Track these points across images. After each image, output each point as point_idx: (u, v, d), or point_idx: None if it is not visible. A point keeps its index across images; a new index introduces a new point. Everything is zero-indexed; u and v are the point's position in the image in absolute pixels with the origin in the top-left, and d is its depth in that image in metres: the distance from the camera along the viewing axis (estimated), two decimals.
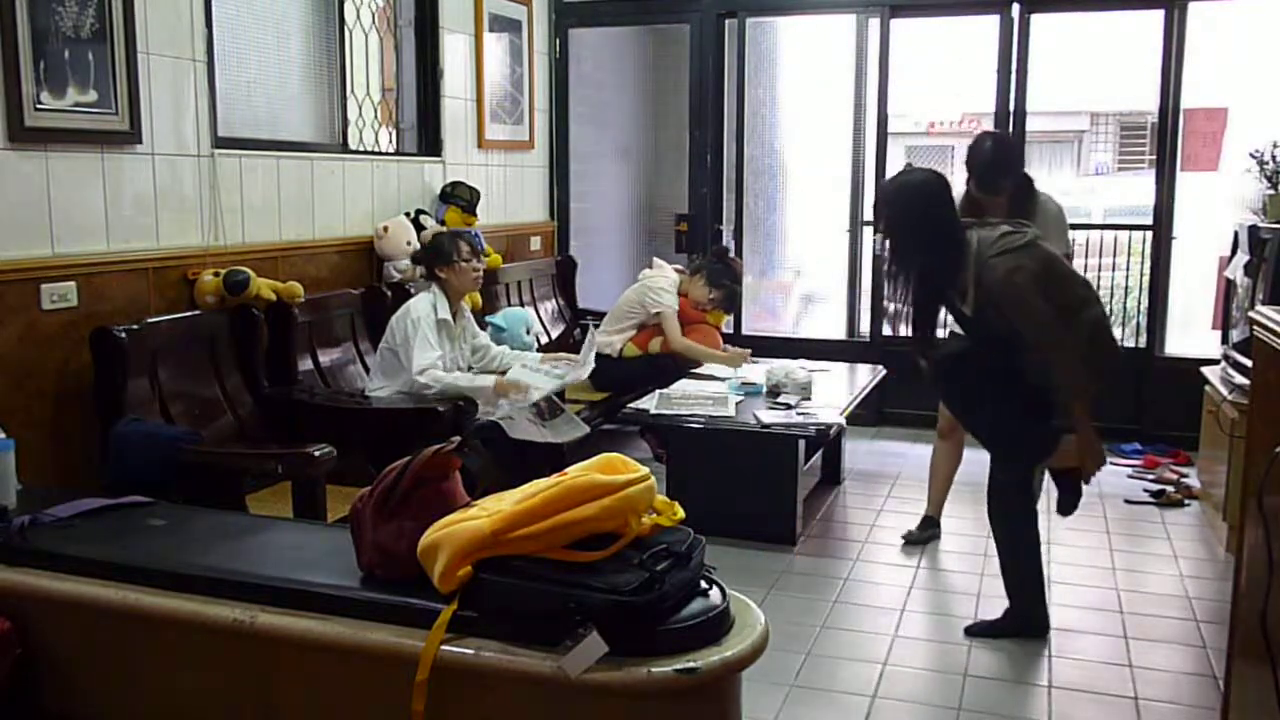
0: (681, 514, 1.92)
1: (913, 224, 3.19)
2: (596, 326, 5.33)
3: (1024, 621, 3.39)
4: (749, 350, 5.31)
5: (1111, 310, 7.22)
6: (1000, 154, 3.82)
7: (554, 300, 6.07)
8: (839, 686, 3.09)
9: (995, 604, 3.67)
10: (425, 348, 3.94)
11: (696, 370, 5.09)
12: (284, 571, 2.02)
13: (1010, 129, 5.70)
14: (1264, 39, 5.59)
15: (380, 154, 4.93)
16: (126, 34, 3.39)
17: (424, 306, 4.03)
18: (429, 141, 5.24)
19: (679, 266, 5.52)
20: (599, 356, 4.53)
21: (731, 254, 5.57)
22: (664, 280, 5.32)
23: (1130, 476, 5.14)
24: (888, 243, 3.26)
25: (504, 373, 4.22)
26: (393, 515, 1.91)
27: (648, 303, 5.25)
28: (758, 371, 4.85)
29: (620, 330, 5.29)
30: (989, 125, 5.94)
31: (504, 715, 1.79)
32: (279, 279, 3.89)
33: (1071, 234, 4.32)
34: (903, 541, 4.26)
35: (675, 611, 1.75)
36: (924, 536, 4.27)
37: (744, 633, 1.79)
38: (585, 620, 1.66)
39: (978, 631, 3.42)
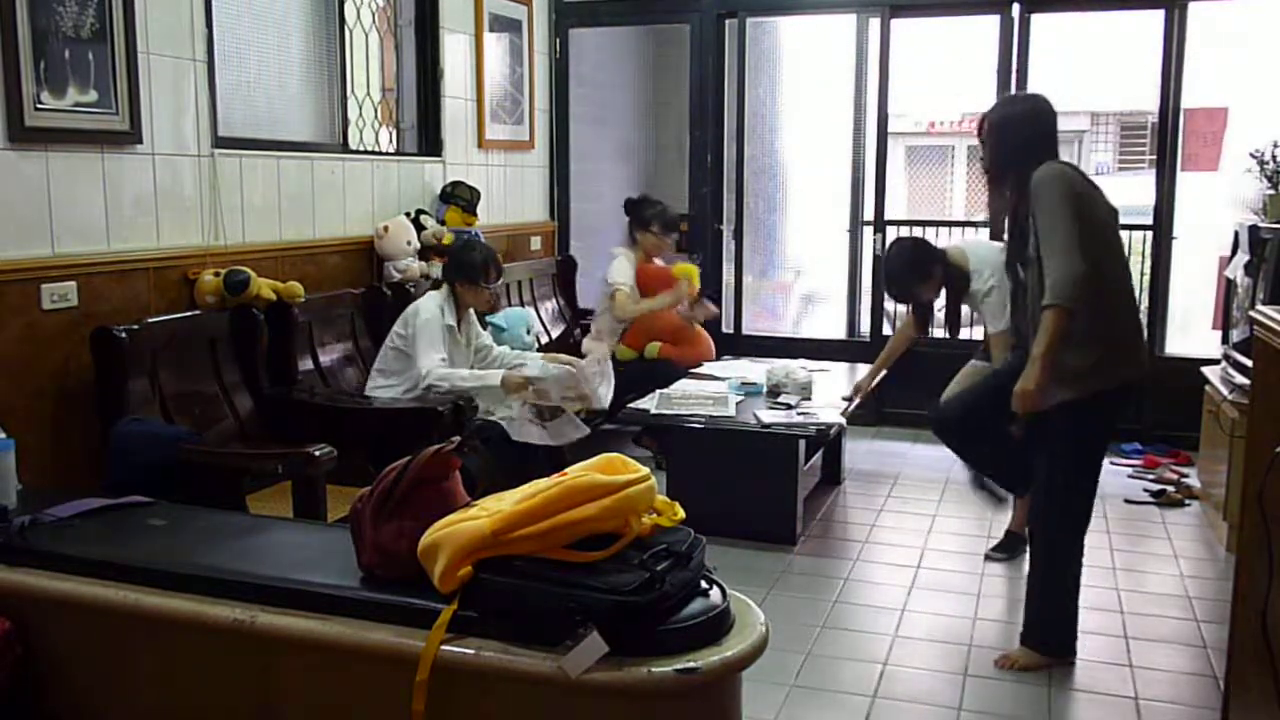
0: (681, 514, 1.92)
1: (1013, 141, 3.13)
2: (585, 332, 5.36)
3: (1048, 640, 3.20)
4: (684, 281, 5.25)
5: None
6: (907, 271, 4.02)
7: (554, 300, 6.07)
8: (839, 686, 3.09)
9: (995, 603, 3.68)
10: (429, 350, 3.94)
11: (696, 370, 5.10)
12: (284, 571, 2.01)
13: None
14: (1264, 39, 5.59)
15: (380, 154, 4.93)
16: (127, 34, 3.39)
17: (433, 308, 4.03)
18: (429, 141, 5.24)
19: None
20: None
21: (640, 196, 5.54)
22: (617, 262, 5.30)
23: (1130, 476, 5.15)
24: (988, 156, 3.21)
25: (509, 369, 4.23)
26: (393, 515, 1.91)
27: (605, 287, 5.28)
28: (758, 371, 4.85)
29: (609, 334, 5.31)
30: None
31: (504, 715, 1.79)
32: (279, 279, 3.89)
33: None
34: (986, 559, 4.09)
35: (675, 611, 1.75)
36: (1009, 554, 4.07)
37: (744, 633, 1.79)
38: (585, 620, 1.66)
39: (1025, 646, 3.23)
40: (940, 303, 4.20)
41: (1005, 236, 3.30)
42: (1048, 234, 2.92)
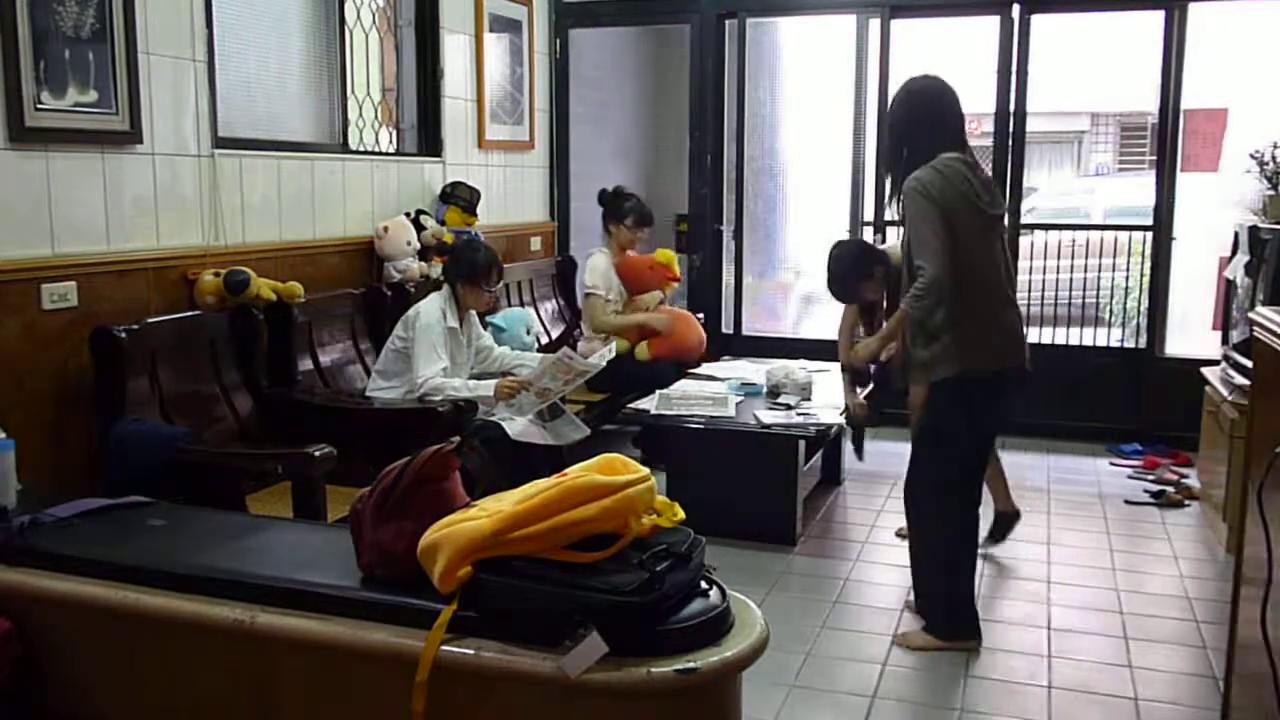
0: (681, 514, 1.92)
1: (909, 121, 3.29)
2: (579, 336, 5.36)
3: (941, 621, 3.31)
4: (664, 316, 5.26)
5: (1111, 310, 7.26)
6: (845, 274, 4.07)
7: (554, 300, 6.07)
8: (839, 686, 3.09)
9: (994, 604, 3.68)
10: (430, 360, 3.94)
11: (695, 370, 5.10)
12: (284, 571, 2.02)
13: (1010, 129, 5.70)
14: (1264, 39, 5.60)
15: (380, 154, 4.93)
16: (127, 34, 3.39)
17: (434, 313, 4.02)
18: (429, 141, 5.24)
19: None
20: None
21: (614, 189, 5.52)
22: (591, 261, 5.32)
23: (1130, 477, 5.15)
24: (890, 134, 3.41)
25: (505, 374, 4.23)
26: (392, 515, 1.91)
27: (580, 287, 5.33)
28: (757, 372, 4.85)
29: (597, 335, 5.33)
30: (989, 125, 5.94)
31: (504, 715, 1.79)
32: (279, 279, 3.89)
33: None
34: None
35: (675, 612, 1.75)
36: (1002, 531, 4.18)
37: (744, 633, 1.79)
38: (585, 620, 1.66)
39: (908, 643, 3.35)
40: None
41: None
42: (916, 243, 3.13)
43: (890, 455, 5.55)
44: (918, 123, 3.26)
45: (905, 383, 3.63)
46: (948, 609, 3.32)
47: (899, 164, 3.28)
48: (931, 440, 3.29)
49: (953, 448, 3.25)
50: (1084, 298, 6.58)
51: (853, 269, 4.05)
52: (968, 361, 3.16)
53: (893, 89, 5.87)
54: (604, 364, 4.11)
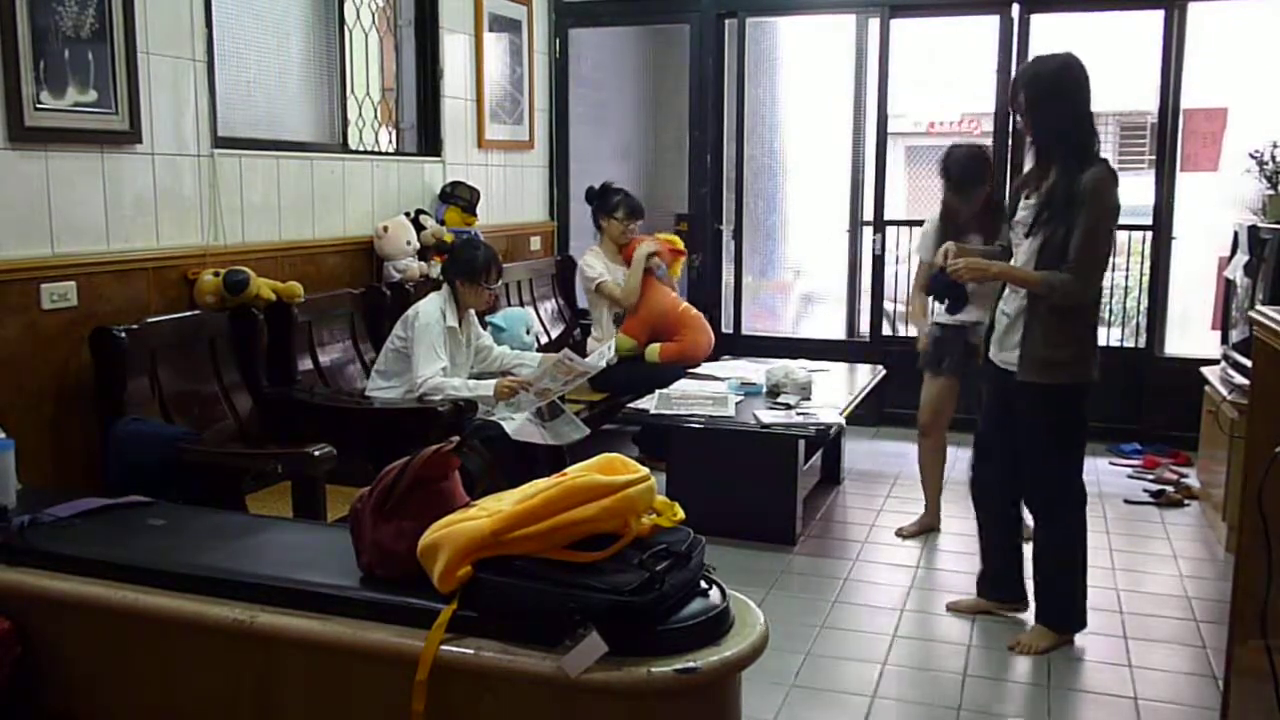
0: (681, 514, 1.92)
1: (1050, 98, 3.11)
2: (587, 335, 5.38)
3: (1067, 616, 3.35)
4: (652, 244, 5.35)
5: (1110, 310, 7.26)
6: (973, 163, 4.11)
7: (554, 300, 6.07)
8: (839, 686, 3.09)
9: None
10: (430, 359, 3.94)
11: (695, 370, 5.10)
12: (284, 571, 2.01)
13: (1010, 128, 5.69)
14: (1264, 39, 5.60)
15: (380, 154, 4.93)
16: (126, 34, 3.39)
17: (433, 312, 4.02)
18: (429, 141, 5.24)
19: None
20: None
21: (602, 185, 5.57)
22: (586, 259, 5.40)
23: (1130, 476, 5.15)
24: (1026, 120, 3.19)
25: (505, 373, 4.23)
26: (392, 515, 1.91)
27: (586, 284, 5.38)
28: (757, 371, 4.85)
29: (607, 333, 5.34)
30: (988, 125, 5.95)
31: (504, 715, 1.79)
32: (279, 279, 3.89)
33: None
34: (900, 537, 4.30)
35: (675, 611, 1.75)
36: (919, 530, 4.35)
37: (744, 633, 1.79)
38: (585, 620, 1.66)
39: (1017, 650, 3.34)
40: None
41: (1020, 202, 3.31)
42: (1083, 248, 3.06)
43: (890, 455, 5.56)
44: (1087, 106, 3.11)
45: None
46: (1075, 605, 3.34)
47: (1058, 149, 3.12)
48: (1060, 442, 3.25)
49: (1078, 449, 3.28)
50: None
51: (976, 165, 4.10)
52: (1091, 369, 3.20)
53: (893, 89, 5.95)
54: (603, 364, 4.11)
